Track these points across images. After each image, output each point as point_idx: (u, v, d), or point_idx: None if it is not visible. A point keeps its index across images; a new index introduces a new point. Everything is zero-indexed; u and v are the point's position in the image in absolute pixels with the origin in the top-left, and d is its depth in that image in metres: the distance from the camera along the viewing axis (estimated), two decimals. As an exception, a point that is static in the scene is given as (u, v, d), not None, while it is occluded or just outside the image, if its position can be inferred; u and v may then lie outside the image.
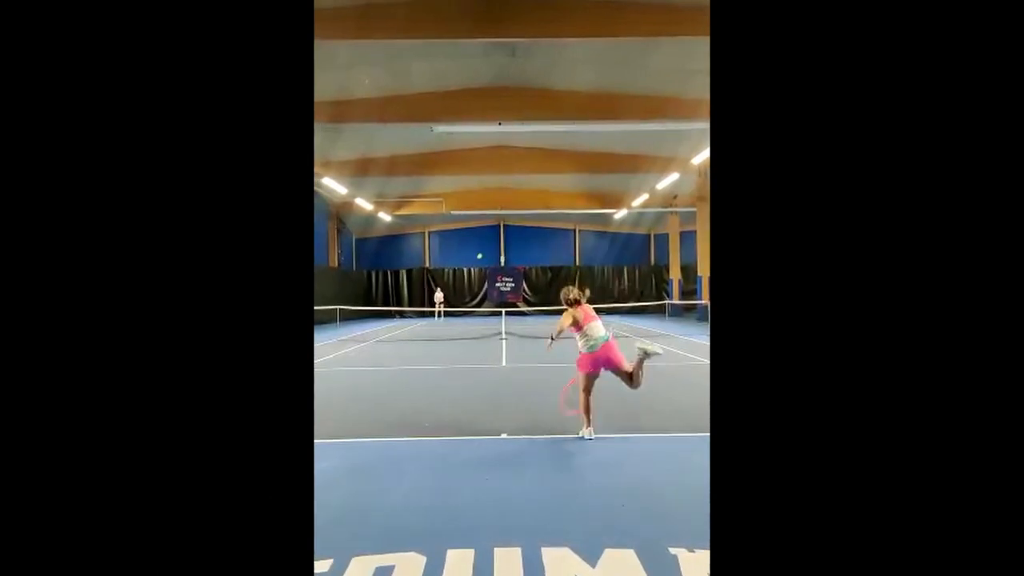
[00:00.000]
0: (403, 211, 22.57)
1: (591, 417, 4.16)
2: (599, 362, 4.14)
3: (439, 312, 21.53)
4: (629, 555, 2.39)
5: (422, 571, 2.28)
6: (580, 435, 4.13)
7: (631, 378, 4.18)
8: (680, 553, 2.41)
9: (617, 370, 4.17)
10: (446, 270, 25.36)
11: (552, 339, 4.37)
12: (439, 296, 22.68)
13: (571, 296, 4.33)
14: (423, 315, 23.43)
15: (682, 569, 2.28)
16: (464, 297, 24.85)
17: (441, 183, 20.92)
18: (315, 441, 4.33)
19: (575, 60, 12.11)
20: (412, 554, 2.41)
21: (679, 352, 10.20)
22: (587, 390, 4.18)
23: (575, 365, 4.28)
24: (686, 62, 11.89)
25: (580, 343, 4.23)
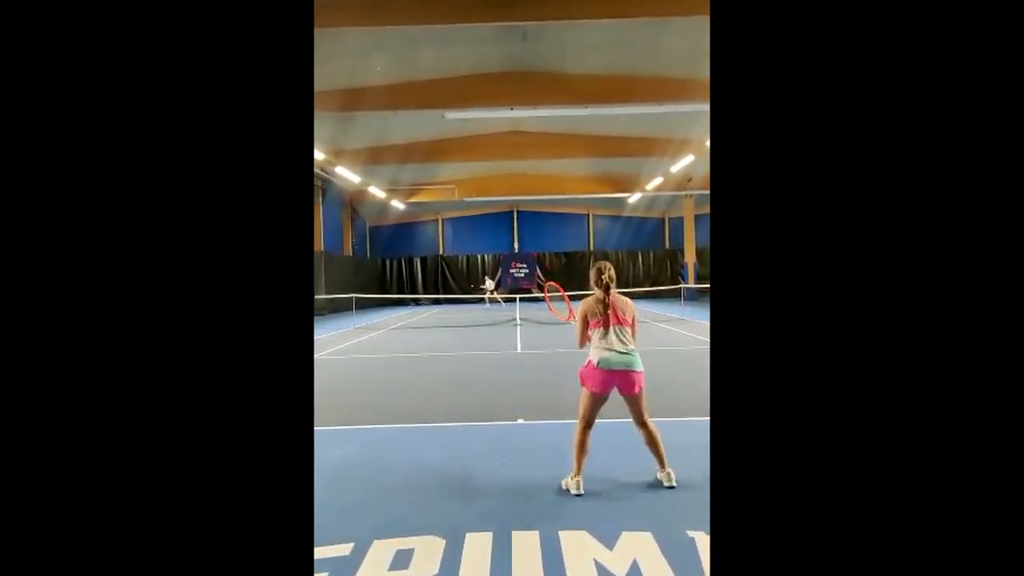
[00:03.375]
0: (416, 198, 22.59)
1: (581, 463, 2.92)
2: (607, 386, 2.93)
3: (491, 299, 21.57)
4: (647, 538, 2.41)
5: (441, 554, 2.33)
6: (562, 484, 2.96)
7: (644, 424, 3.02)
8: (698, 536, 2.42)
9: (634, 400, 2.96)
10: (460, 257, 25.42)
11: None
12: (490, 284, 22.71)
13: (603, 277, 2.99)
14: (437, 302, 23.54)
15: (700, 552, 2.29)
16: (478, 284, 24.93)
17: (454, 170, 20.86)
18: (335, 428, 4.44)
19: (586, 43, 11.92)
20: (431, 537, 2.46)
21: (697, 336, 10.14)
22: (586, 420, 2.96)
23: (578, 376, 3.06)
24: (698, 42, 11.66)
25: (592, 348, 2.98)
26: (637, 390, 2.96)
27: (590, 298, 3.06)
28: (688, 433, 3.71)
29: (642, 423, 3.04)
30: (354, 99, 12.15)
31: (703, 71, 13.07)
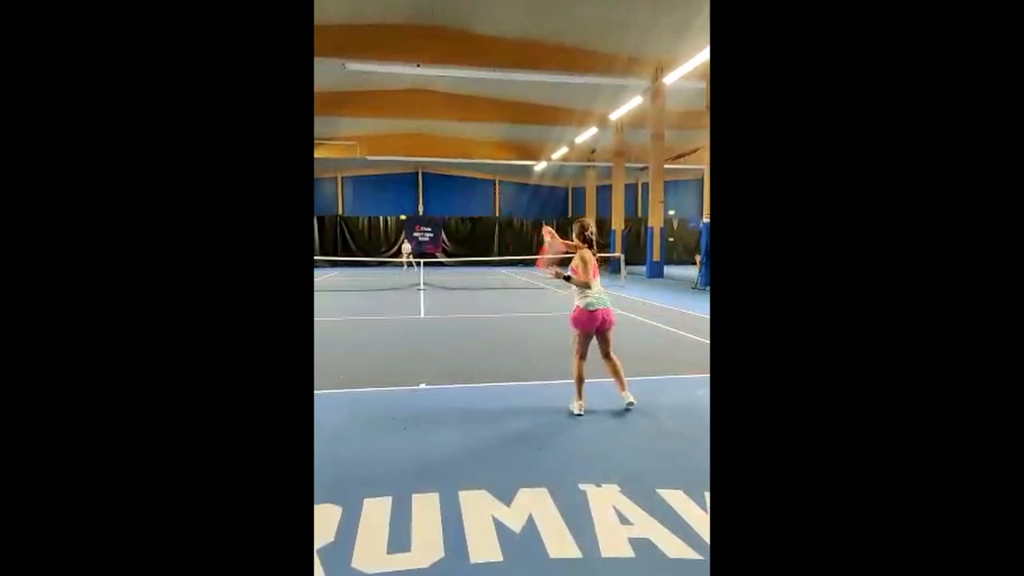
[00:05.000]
0: (313, 154, 21.20)
1: (582, 389, 3.64)
2: (596, 321, 3.59)
3: (408, 263, 20.96)
4: (542, 493, 2.53)
5: (338, 521, 2.29)
6: (570, 409, 3.64)
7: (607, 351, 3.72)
8: (589, 489, 2.58)
9: (606, 335, 3.66)
10: (361, 219, 24.39)
11: (561, 276, 3.60)
12: (407, 247, 22.16)
13: (589, 232, 3.59)
14: (336, 264, 22.56)
15: (590, 502, 2.46)
16: (380, 247, 24.16)
17: (355, 125, 19.80)
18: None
19: (498, 3, 11.66)
20: (329, 506, 2.40)
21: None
22: (581, 354, 3.64)
23: (570, 322, 3.71)
24: (610, 14, 11.85)
25: (578, 297, 3.61)
26: (611, 326, 3.68)
27: (589, 251, 3.65)
28: (585, 393, 3.88)
29: (608, 356, 3.72)
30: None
31: (609, 45, 13.32)
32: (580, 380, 3.65)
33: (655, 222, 16.20)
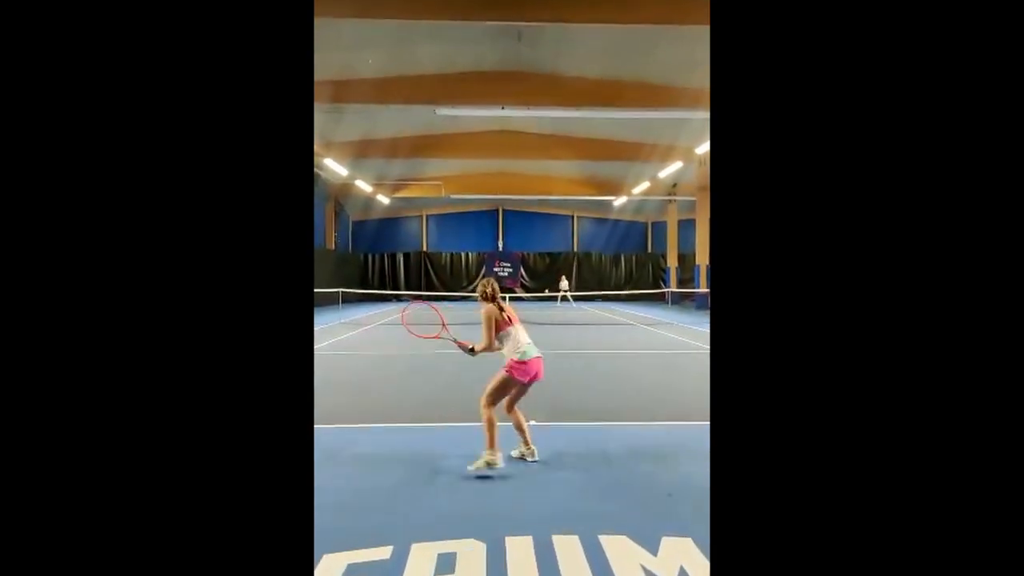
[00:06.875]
0: (401, 194, 22.39)
1: (494, 435, 3.27)
2: (530, 373, 3.37)
3: (563, 297, 21.65)
4: (687, 543, 2.44)
5: (485, 558, 2.31)
6: (477, 465, 3.23)
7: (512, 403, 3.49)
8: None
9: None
10: (443, 254, 25.28)
11: (473, 351, 3.54)
12: (564, 284, 22.74)
13: (489, 290, 3.55)
14: (419, 299, 23.38)
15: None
16: (461, 281, 24.83)
17: (441, 166, 20.74)
18: (346, 426, 4.37)
19: (581, 47, 11.99)
20: (471, 541, 2.44)
21: (684, 339, 10.29)
22: (496, 402, 3.38)
23: (506, 371, 3.39)
24: (691, 52, 11.84)
25: (508, 348, 3.44)
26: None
27: (492, 304, 3.48)
28: (672, 437, 3.75)
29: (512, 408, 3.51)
30: (345, 91, 11.96)
31: (693, 80, 13.25)
32: (493, 425, 3.29)
33: (702, 260, 17.91)
